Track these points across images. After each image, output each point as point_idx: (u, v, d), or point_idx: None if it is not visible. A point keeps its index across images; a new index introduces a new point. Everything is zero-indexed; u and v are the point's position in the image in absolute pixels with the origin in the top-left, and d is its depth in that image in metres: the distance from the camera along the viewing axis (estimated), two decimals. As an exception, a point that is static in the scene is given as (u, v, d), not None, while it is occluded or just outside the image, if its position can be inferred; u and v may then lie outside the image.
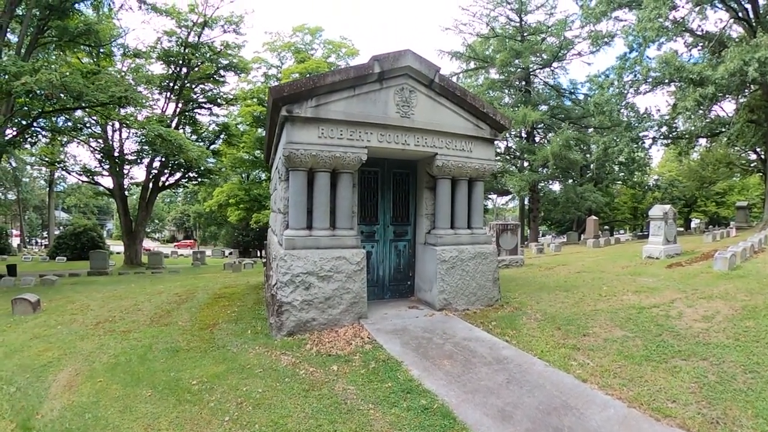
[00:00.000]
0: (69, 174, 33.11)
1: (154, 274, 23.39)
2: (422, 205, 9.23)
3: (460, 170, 8.75)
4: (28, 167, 43.67)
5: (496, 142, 9.61)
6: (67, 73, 17.61)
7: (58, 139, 27.93)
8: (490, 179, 36.57)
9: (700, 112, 23.12)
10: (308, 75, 29.77)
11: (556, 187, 40.56)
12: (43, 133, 25.38)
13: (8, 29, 19.80)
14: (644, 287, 9.90)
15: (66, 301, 11.79)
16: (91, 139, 28.70)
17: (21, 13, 20.03)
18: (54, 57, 24.74)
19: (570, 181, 36.82)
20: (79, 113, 24.87)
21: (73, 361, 6.62)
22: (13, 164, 41.06)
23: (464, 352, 6.29)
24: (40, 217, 47.38)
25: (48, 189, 44.91)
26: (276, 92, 7.43)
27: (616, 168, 39.46)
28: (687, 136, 28.78)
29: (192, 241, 66.21)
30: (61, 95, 17.42)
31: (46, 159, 31.10)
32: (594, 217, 29.91)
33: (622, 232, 57.75)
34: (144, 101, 22.36)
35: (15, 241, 50.12)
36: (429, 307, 8.77)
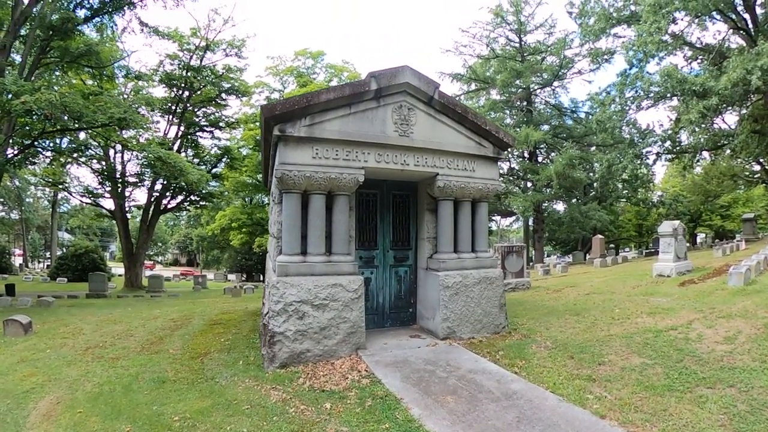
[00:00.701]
0: (71, 195, 33.01)
1: (153, 297, 23.01)
2: (423, 229, 8.78)
3: (462, 191, 8.31)
4: (32, 187, 43.62)
5: (499, 162, 9.22)
6: (67, 94, 17.48)
7: (60, 160, 27.76)
8: (494, 200, 36.24)
9: (704, 125, 22.71)
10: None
11: (560, 206, 40.15)
12: (45, 153, 25.30)
13: (12, 49, 19.75)
14: (658, 308, 9.39)
15: (59, 324, 11.44)
16: (93, 161, 28.58)
17: (25, 33, 20.00)
18: (57, 78, 24.75)
19: (574, 200, 36.37)
20: (82, 135, 24.81)
21: (56, 389, 6.26)
22: (17, 183, 40.95)
23: (470, 387, 5.77)
24: (43, 238, 47.09)
25: (51, 210, 44.72)
26: (268, 111, 7.08)
27: (620, 185, 39.03)
28: (691, 150, 28.35)
29: (192, 269, 65.33)
30: (63, 116, 17.34)
31: (49, 180, 30.90)
32: (600, 236, 29.40)
33: (627, 249, 56.98)
34: (144, 123, 22.24)
35: (18, 261, 49.99)
36: (432, 335, 8.27)
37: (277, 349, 6.78)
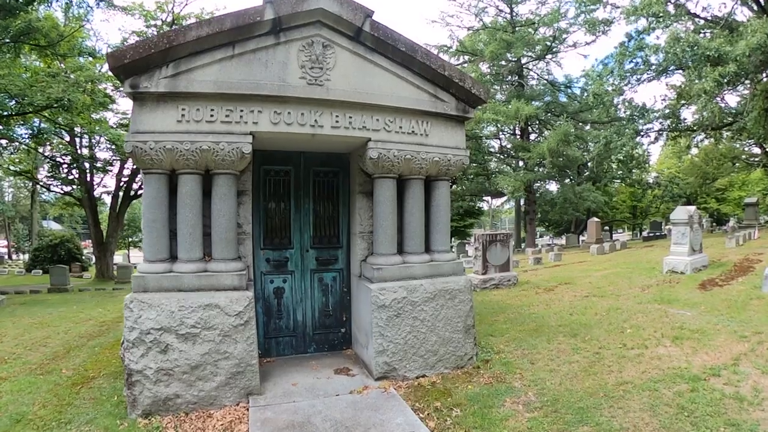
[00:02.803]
0: (38, 184, 30.32)
1: (115, 290, 20.56)
2: (356, 220, 6.02)
3: (409, 164, 5.53)
4: (11, 178, 40.87)
5: (467, 123, 6.44)
6: (6, 75, 15.12)
7: (23, 147, 25.01)
8: (476, 179, 33.32)
9: (717, 98, 19.79)
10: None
11: (552, 187, 37.21)
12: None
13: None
14: (684, 328, 6.65)
15: None
16: (61, 146, 25.82)
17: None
18: (8, 60, 21.95)
19: (567, 180, 33.49)
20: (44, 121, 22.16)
21: None
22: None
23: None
24: (27, 228, 44.50)
25: (31, 199, 41.97)
26: (115, 60, 4.66)
27: (615, 166, 36.26)
28: (697, 127, 25.37)
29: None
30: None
31: (14, 169, 28.14)
32: (596, 219, 26.56)
33: (620, 231, 54.43)
34: (86, 104, 19.38)
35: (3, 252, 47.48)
36: (366, 371, 5.56)
37: (137, 392, 4.64)
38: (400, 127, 5.49)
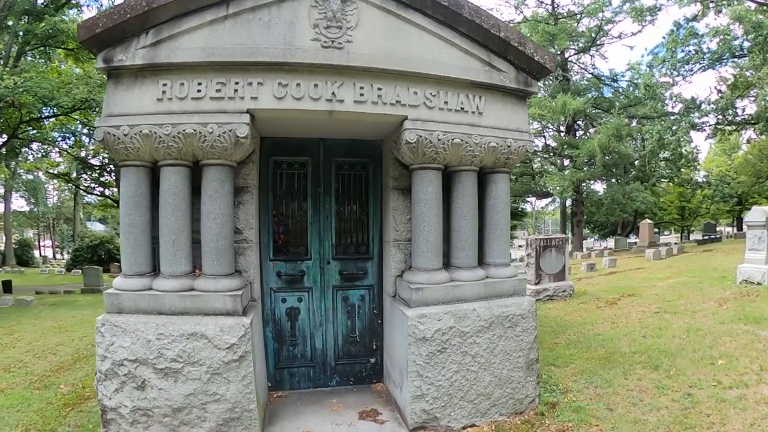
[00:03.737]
0: (76, 186, 30.34)
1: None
2: (390, 223, 4.65)
3: (458, 150, 4.15)
4: (55, 180, 41.52)
5: (529, 100, 5.03)
6: (33, 78, 14.75)
7: (59, 149, 24.94)
8: (523, 180, 31.41)
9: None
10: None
11: (598, 187, 34.86)
12: (34, 144, 22.55)
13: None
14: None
15: (7, 331, 9.65)
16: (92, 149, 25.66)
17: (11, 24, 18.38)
18: (40, 63, 21.77)
19: (613, 180, 31.21)
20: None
21: None
22: (40, 176, 38.77)
23: None
24: (70, 229, 45.16)
25: (74, 201, 42.47)
26: (86, 30, 3.73)
27: (662, 164, 33.70)
28: (757, 119, 22.88)
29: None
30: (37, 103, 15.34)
31: (51, 171, 28.18)
32: (648, 221, 24.37)
33: (667, 233, 51.29)
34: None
35: (49, 253, 48.29)
36: (398, 417, 4.22)
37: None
38: (446, 103, 4.13)
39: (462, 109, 4.20)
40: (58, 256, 46.80)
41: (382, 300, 4.87)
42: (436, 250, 4.19)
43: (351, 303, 4.85)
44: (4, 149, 19.13)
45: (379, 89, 3.89)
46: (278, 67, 3.73)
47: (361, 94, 3.84)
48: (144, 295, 3.79)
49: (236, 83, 3.71)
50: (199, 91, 3.71)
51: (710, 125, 24.30)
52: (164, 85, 3.73)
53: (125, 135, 3.70)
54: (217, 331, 3.63)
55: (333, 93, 3.78)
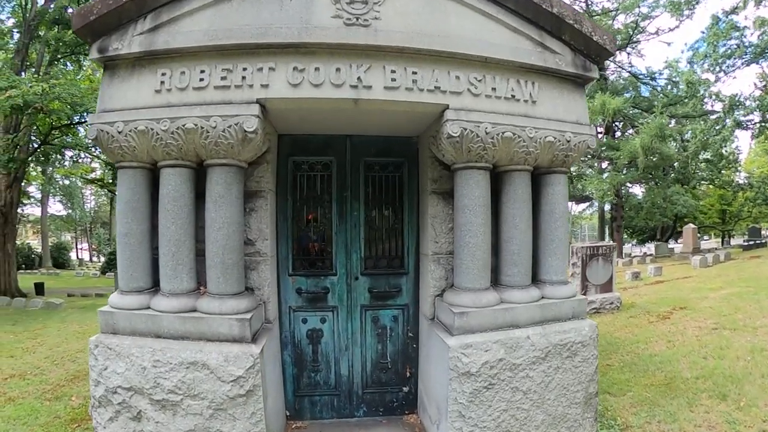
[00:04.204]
0: (111, 192, 30.59)
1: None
2: (428, 233, 3.94)
3: (510, 146, 3.43)
4: (92, 186, 42.33)
5: (587, 88, 4.26)
6: (62, 84, 14.71)
7: (90, 156, 25.07)
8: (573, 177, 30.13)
9: None
10: None
11: (636, 190, 33.20)
12: (67, 149, 22.69)
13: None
14: None
15: (31, 335, 9.43)
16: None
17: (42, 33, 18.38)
18: (69, 71, 21.95)
19: (652, 183, 29.64)
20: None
21: None
22: (76, 181, 39.45)
23: None
24: (107, 233, 45.93)
25: (110, 206, 43.14)
26: (80, 17, 3.28)
27: (702, 165, 31.94)
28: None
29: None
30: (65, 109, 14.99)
31: (86, 177, 28.42)
32: (692, 226, 22.84)
33: (706, 238, 48.93)
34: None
35: (86, 256, 49.20)
36: (441, 466, 3.52)
37: (110, 465, 3.05)
38: (493, 90, 3.41)
39: (512, 96, 3.48)
40: (95, 259, 47.62)
41: (418, 322, 4.14)
42: (483, 266, 3.46)
43: (382, 325, 4.14)
44: (37, 155, 19.28)
45: (414, 73, 3.20)
46: (293, 49, 3.09)
47: (393, 79, 3.16)
48: (140, 315, 3.22)
49: (244, 69, 3.10)
50: (201, 80, 3.12)
51: (755, 123, 22.75)
52: (163, 74, 3.17)
53: (119, 132, 3.15)
54: (221, 360, 3.01)
55: (359, 78, 3.11)
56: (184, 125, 3.06)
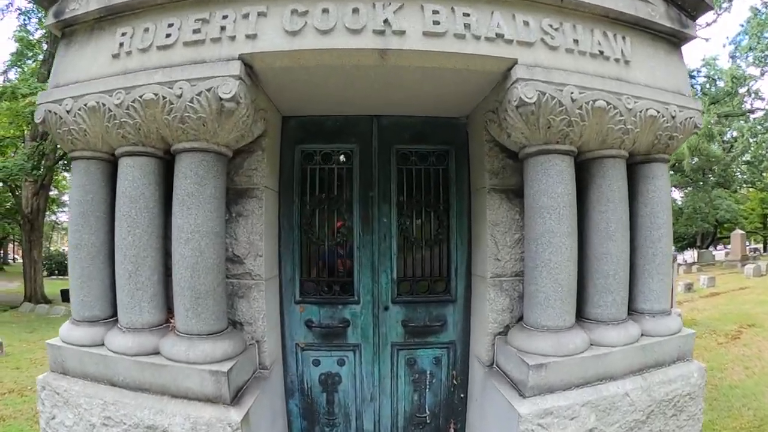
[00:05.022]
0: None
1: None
2: (485, 246, 2.76)
3: (602, 119, 2.31)
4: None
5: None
6: None
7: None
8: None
9: None
10: None
11: (675, 195, 31.10)
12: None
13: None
14: None
15: (44, 345, 7.88)
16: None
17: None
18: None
19: (689, 187, 27.67)
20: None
21: None
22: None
23: None
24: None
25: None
26: None
27: (743, 167, 29.82)
28: None
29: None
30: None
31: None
32: (741, 232, 20.92)
33: (747, 243, 46.09)
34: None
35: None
36: None
37: None
38: (575, 42, 2.31)
39: (600, 53, 2.38)
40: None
41: (468, 365, 2.99)
42: (568, 295, 2.33)
43: (420, 369, 3.01)
44: (64, 162, 18.98)
45: (466, 15, 2.13)
46: (290, -15, 2.08)
47: (436, 22, 2.09)
48: (92, 355, 2.30)
49: (224, 18, 2.10)
50: (168, 35, 2.16)
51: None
52: (123, 35, 2.27)
53: (68, 112, 2.26)
54: (188, 428, 2.01)
55: (386, 21, 2.06)
56: (141, 96, 2.10)
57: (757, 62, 19.07)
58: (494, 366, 2.64)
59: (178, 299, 2.23)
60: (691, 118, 2.65)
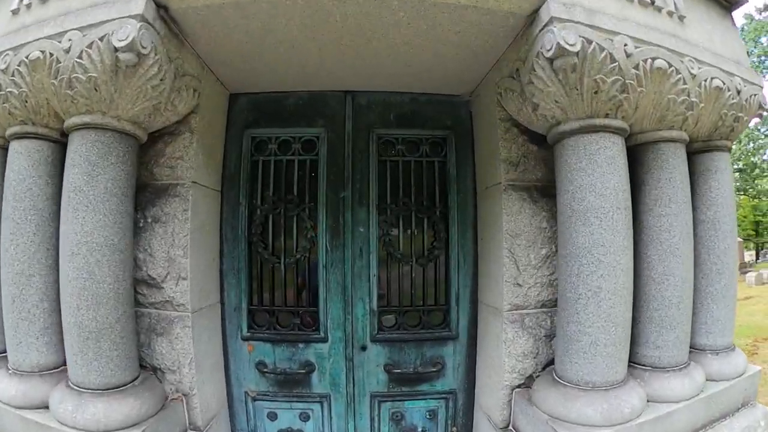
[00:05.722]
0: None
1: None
2: (498, 265, 2.05)
3: (661, 88, 1.69)
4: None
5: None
6: None
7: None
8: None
9: None
10: None
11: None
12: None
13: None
14: None
15: None
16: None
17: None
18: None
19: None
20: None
21: None
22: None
23: None
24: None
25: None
26: None
27: (736, 175, 29.90)
28: None
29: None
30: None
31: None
32: (739, 239, 20.79)
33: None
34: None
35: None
36: None
37: None
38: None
39: (652, 2, 1.77)
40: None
41: (472, 421, 2.28)
42: (624, 337, 1.66)
43: (409, 425, 2.28)
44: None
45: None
46: None
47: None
48: None
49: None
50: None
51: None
52: None
53: None
54: None
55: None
56: (28, 56, 1.49)
57: (753, 68, 18.90)
58: (511, 429, 1.96)
59: (67, 338, 1.60)
60: (755, 95, 2.09)
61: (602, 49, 1.50)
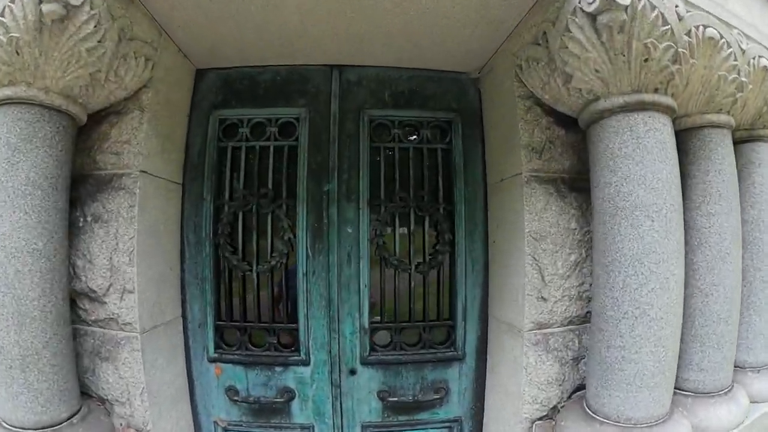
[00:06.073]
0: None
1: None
2: (517, 273, 1.75)
3: (712, 64, 1.43)
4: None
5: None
6: None
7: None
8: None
9: None
10: None
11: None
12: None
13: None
14: None
15: None
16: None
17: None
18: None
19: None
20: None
21: None
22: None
23: None
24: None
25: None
26: None
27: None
28: None
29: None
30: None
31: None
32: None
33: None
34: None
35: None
36: None
37: None
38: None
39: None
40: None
41: None
42: (672, 363, 1.39)
43: None
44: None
45: None
46: None
47: None
48: None
49: None
50: None
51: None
52: None
53: None
54: None
55: None
56: None
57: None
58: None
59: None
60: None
61: (653, 7, 1.22)
